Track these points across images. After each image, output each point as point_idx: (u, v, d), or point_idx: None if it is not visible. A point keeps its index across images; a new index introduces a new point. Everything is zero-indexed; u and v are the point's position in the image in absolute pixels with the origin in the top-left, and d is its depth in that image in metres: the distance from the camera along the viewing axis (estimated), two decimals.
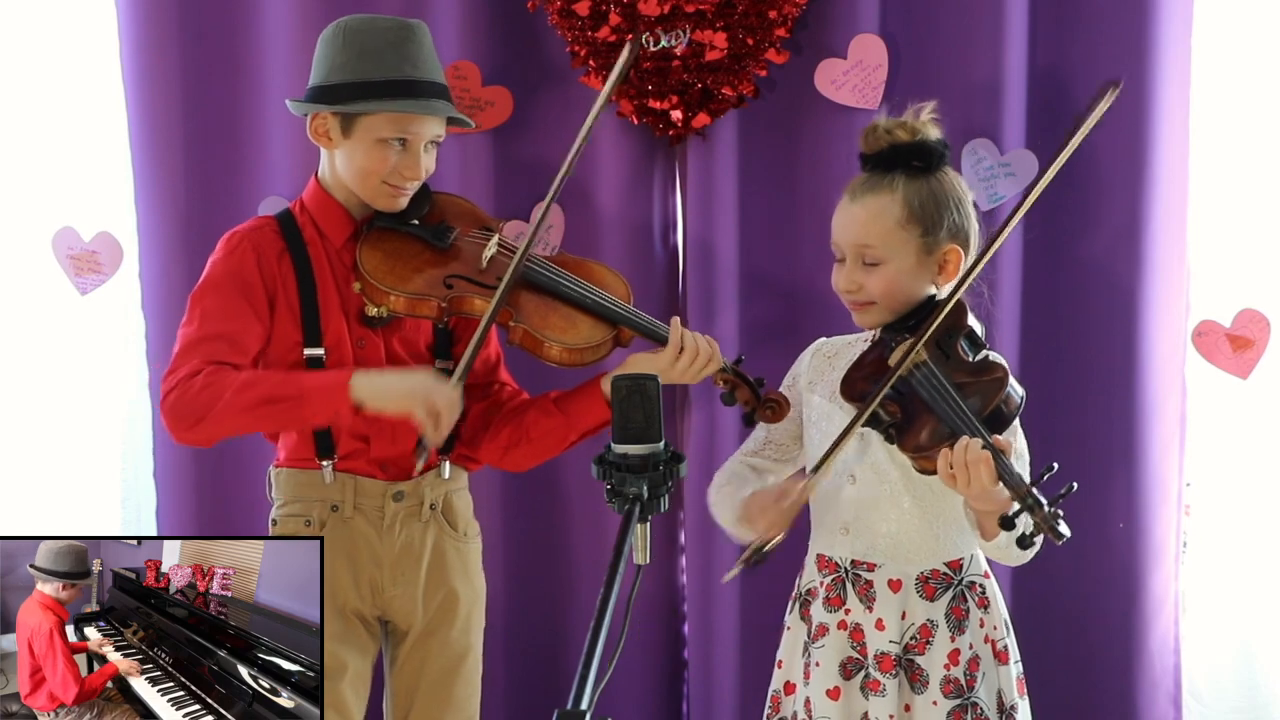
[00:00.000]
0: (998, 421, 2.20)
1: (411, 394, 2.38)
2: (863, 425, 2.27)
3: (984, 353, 2.32)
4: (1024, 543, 2.11)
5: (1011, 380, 2.23)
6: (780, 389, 2.54)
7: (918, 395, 2.23)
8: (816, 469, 2.31)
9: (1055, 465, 2.13)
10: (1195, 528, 3.26)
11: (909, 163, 2.34)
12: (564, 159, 2.47)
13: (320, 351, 2.49)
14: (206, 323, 2.44)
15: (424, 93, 2.46)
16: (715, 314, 3.06)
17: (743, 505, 2.39)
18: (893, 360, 2.28)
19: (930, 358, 2.26)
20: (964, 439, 2.14)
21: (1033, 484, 2.10)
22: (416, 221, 2.54)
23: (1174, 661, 3.20)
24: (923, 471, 2.24)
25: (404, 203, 2.52)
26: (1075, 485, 2.10)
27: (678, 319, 2.54)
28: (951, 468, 2.13)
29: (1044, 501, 2.08)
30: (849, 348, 2.49)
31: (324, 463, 2.53)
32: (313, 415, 2.42)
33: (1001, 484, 2.11)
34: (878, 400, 2.23)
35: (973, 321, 2.34)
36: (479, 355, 2.63)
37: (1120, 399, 3.12)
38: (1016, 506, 2.09)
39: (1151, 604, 3.16)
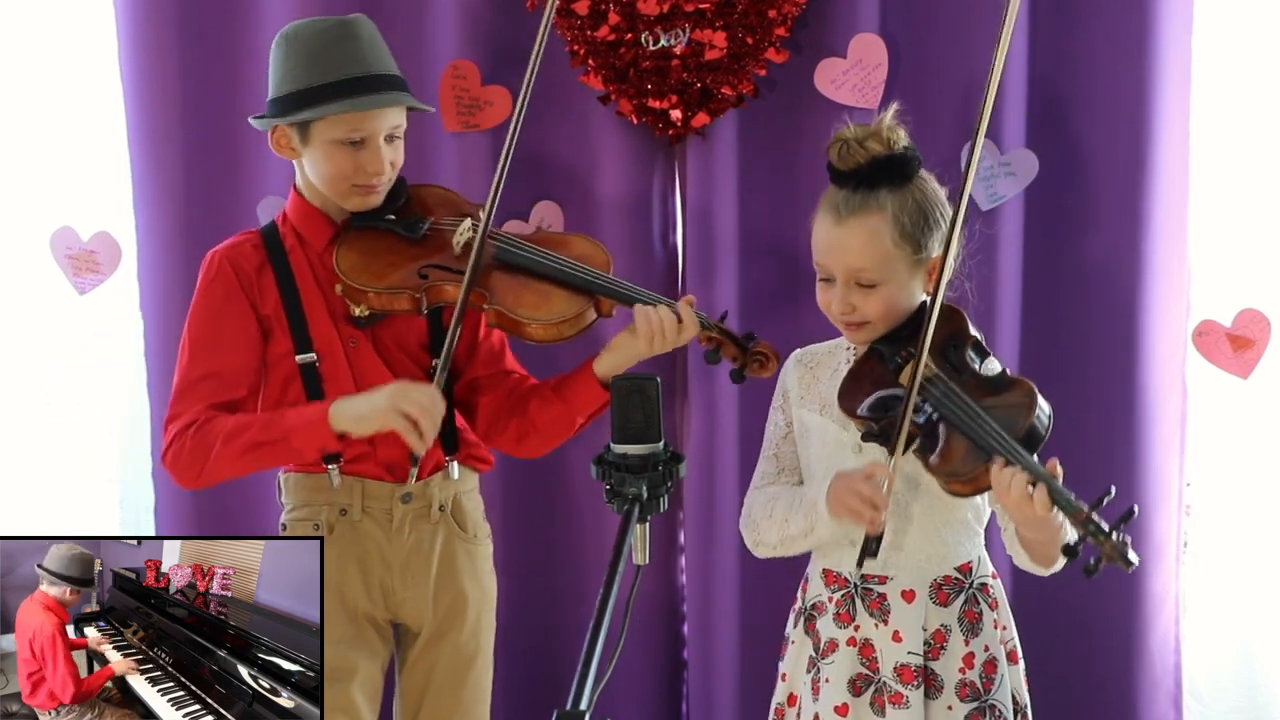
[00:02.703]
0: (1031, 442, 2.13)
1: (386, 408, 2.36)
2: (867, 441, 2.25)
3: (991, 360, 2.29)
4: (1090, 571, 2.01)
5: (1040, 397, 2.17)
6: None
7: (940, 413, 2.18)
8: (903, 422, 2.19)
9: (1114, 489, 2.07)
10: (1195, 528, 3.26)
11: (890, 177, 2.26)
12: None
13: (312, 356, 2.50)
14: (196, 361, 2.48)
15: (370, 88, 2.44)
16: (715, 312, 3.05)
17: (833, 495, 2.23)
18: (903, 379, 2.23)
19: (941, 371, 2.22)
20: (1010, 470, 2.06)
21: (1092, 509, 2.03)
22: (392, 216, 2.54)
23: (1174, 661, 3.20)
24: (954, 494, 2.19)
25: (378, 200, 2.52)
26: (1136, 508, 2.04)
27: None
28: (1002, 499, 2.08)
29: (1106, 529, 2.02)
30: (830, 355, 2.45)
31: (330, 466, 2.53)
32: (302, 452, 2.44)
33: (1058, 511, 2.05)
34: (903, 434, 2.17)
35: (974, 330, 2.30)
36: (483, 346, 2.64)
37: (1120, 399, 3.11)
38: (1078, 534, 2.04)
39: (1152, 604, 3.15)
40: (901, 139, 2.29)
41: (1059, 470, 2.09)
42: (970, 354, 2.27)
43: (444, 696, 2.63)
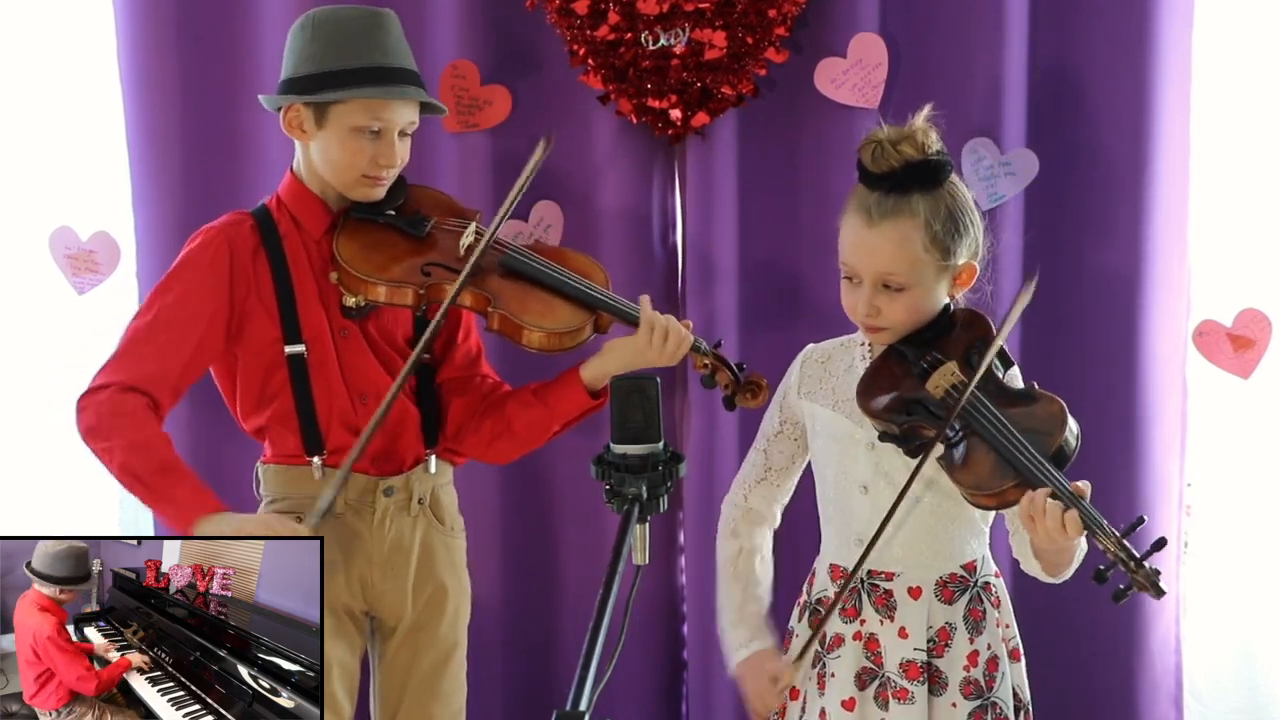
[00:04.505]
0: (1058, 463, 2.12)
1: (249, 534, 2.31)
2: (885, 442, 2.26)
3: (1014, 370, 2.30)
4: (1119, 597, 2.04)
5: (1070, 417, 2.17)
6: (772, 405, 2.50)
7: (969, 426, 2.17)
8: (821, 626, 2.33)
9: (1145, 518, 2.09)
10: (1196, 528, 3.26)
11: (922, 181, 2.25)
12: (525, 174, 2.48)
13: (301, 349, 2.49)
14: (154, 328, 2.45)
15: (395, 79, 2.46)
16: (714, 313, 3.06)
17: (741, 668, 2.44)
18: (930, 386, 2.22)
19: (965, 377, 2.21)
20: (1043, 492, 2.06)
21: (1124, 536, 2.04)
22: (392, 212, 2.54)
23: (1174, 661, 3.20)
24: (977, 506, 2.20)
25: (381, 192, 2.52)
26: (1165, 539, 2.05)
27: (646, 297, 2.52)
28: (1033, 519, 2.08)
29: (1138, 555, 2.03)
30: (842, 350, 2.45)
31: (313, 459, 2.52)
32: (161, 517, 2.45)
33: (1088, 535, 2.06)
34: (931, 451, 2.17)
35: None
36: (460, 348, 2.64)
37: (1121, 399, 3.12)
38: (1108, 560, 2.04)
39: (1152, 604, 3.15)
40: (934, 142, 2.28)
41: (1086, 492, 2.09)
42: (995, 361, 2.26)
43: (424, 689, 2.63)
